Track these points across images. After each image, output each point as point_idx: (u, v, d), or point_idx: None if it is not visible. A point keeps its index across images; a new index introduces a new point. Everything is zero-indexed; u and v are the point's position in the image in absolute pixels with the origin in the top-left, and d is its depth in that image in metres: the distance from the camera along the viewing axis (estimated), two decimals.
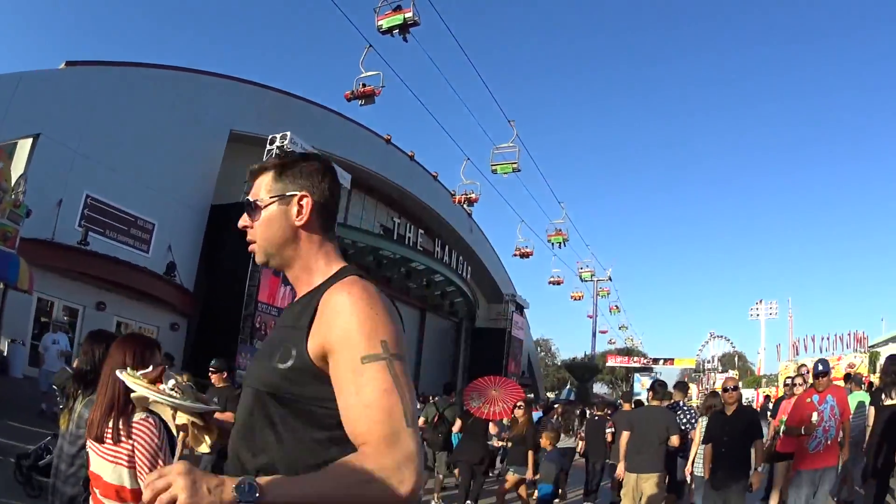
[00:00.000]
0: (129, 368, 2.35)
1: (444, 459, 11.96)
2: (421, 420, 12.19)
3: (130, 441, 2.73)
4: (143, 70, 24.91)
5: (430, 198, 40.31)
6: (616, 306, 59.67)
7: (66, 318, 16.86)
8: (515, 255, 34.22)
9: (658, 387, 9.04)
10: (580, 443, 13.86)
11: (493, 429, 11.31)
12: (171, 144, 24.86)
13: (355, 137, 34.78)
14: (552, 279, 42.09)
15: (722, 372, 66.93)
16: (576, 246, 52.28)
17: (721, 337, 78.24)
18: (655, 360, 72.59)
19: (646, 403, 9.97)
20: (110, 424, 2.74)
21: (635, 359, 73.57)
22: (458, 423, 11.43)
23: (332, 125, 33.27)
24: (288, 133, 26.30)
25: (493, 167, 24.60)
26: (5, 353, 18.49)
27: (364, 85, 18.35)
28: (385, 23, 16.40)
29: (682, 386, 12.85)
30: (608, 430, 12.39)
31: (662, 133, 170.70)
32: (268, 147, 26.32)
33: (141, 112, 23.72)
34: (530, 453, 9.69)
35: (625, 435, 8.45)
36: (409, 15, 16.22)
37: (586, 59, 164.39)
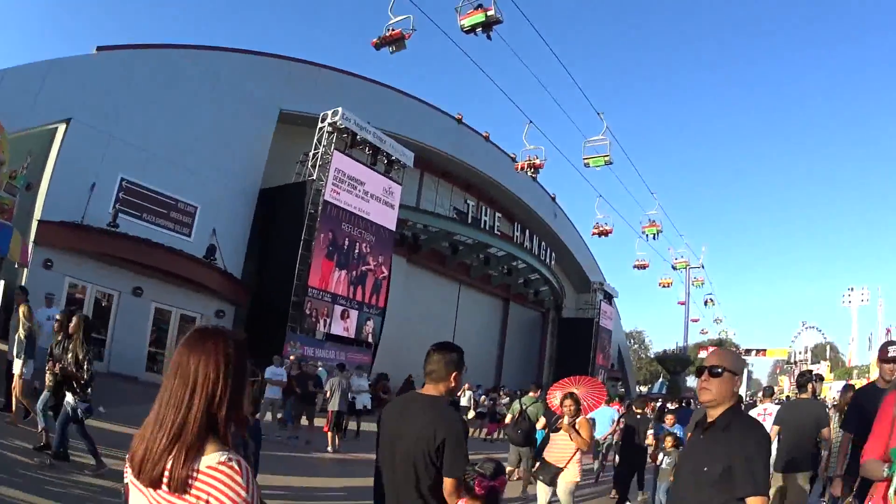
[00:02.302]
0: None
1: (528, 455, 11.22)
2: (508, 417, 12.86)
3: (205, 493, 1.76)
4: (182, 51, 23.34)
5: (508, 180, 37.01)
6: (711, 299, 55.75)
7: (53, 294, 14.75)
8: (594, 233, 31.22)
9: (801, 379, 8.80)
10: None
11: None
12: (215, 127, 23.35)
13: (422, 116, 32.44)
14: (637, 263, 38.53)
15: (813, 363, 65.11)
16: (666, 231, 48.12)
17: (812, 327, 73.68)
18: (748, 351, 69.74)
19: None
20: (170, 464, 1.77)
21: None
22: (542, 420, 10.59)
23: (393, 103, 30.83)
24: (339, 109, 24.34)
25: (586, 160, 23.07)
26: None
27: (392, 29, 16.39)
28: (467, 22, 15.70)
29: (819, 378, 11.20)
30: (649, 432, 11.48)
31: (754, 119, 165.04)
32: (319, 125, 24.73)
33: (182, 94, 22.58)
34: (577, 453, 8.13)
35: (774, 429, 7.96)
36: (490, 13, 15.50)
37: (673, 44, 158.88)
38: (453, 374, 3.72)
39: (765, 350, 71.32)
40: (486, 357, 39.78)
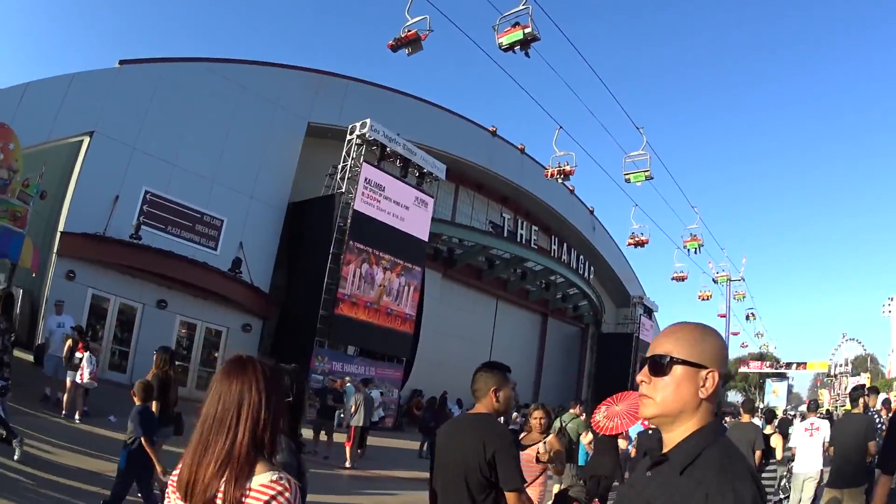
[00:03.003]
0: None
1: (570, 472, 10.78)
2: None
3: None
4: (207, 65, 22.88)
5: (545, 193, 35.95)
6: (752, 313, 53.00)
7: (63, 301, 14.84)
8: (630, 243, 29.88)
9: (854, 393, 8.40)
10: None
11: (622, 443, 11.43)
12: (243, 140, 22.99)
13: (455, 128, 31.35)
14: (676, 275, 37.13)
15: (853, 375, 62.23)
16: (706, 243, 46.78)
17: (853, 339, 71.68)
18: (788, 365, 69.55)
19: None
20: (223, 487, 1.87)
21: (768, 363, 69.53)
22: (589, 436, 11.23)
23: (424, 115, 29.85)
24: (367, 121, 23.67)
25: (626, 176, 22.52)
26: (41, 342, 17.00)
27: (408, 30, 15.96)
28: (505, 40, 15.43)
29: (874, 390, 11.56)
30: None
31: (792, 132, 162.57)
32: (348, 137, 24.12)
33: (208, 107, 22.26)
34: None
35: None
36: (528, 30, 15.22)
37: (709, 56, 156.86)
38: (496, 392, 3.86)
39: (805, 363, 69.75)
40: (524, 373, 38.39)
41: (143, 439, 6.36)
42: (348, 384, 17.85)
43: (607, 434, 9.95)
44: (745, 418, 9.98)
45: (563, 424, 11.69)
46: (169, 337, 20.29)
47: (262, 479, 1.86)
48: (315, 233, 23.10)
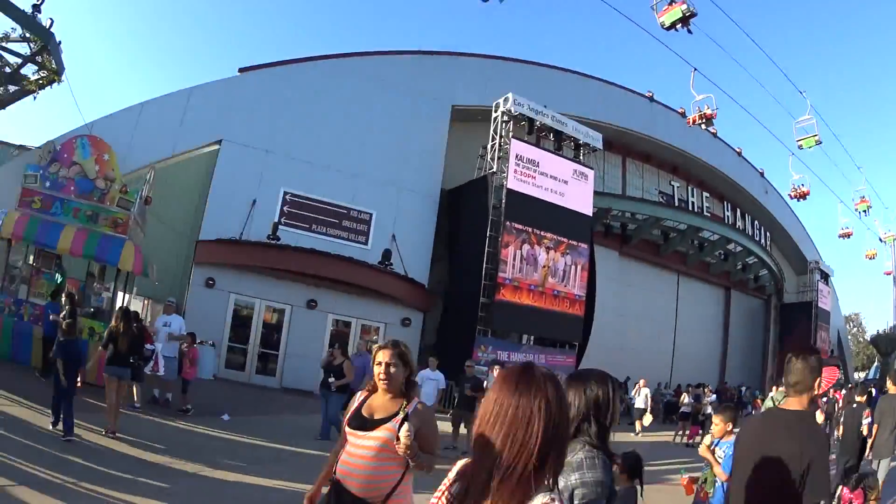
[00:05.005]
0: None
1: None
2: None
3: None
4: (334, 62, 22.21)
5: (713, 157, 32.48)
6: None
7: (173, 300, 14.51)
8: (791, 195, 26.07)
9: None
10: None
11: (819, 416, 11.01)
12: (386, 131, 22.03)
13: (607, 97, 28.66)
14: (842, 231, 32.66)
15: None
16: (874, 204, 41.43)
17: None
18: None
19: None
20: None
21: None
22: None
23: (571, 86, 27.42)
24: (510, 95, 21.86)
25: (798, 142, 21.55)
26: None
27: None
28: (666, 18, 15.15)
29: None
30: (864, 421, 9.86)
31: None
32: (493, 115, 22.42)
33: (341, 103, 21.50)
34: None
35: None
36: (684, 7, 14.91)
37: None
38: (816, 382, 3.23)
39: None
40: (708, 353, 35.07)
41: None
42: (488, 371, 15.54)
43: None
44: (893, 389, 9.50)
45: (776, 403, 10.34)
46: (321, 338, 19.50)
47: (536, 502, 1.60)
48: (470, 217, 21.49)
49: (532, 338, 22.00)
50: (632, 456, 4.70)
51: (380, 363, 3.43)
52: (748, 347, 39.04)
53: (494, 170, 21.25)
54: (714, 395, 19.86)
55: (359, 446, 3.29)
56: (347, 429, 3.37)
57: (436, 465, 3.23)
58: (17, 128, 74.26)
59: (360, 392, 3.60)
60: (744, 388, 32.80)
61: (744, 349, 38.49)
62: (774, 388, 15.41)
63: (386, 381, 3.40)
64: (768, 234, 38.16)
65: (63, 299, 12.40)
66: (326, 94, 21.28)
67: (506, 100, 21.89)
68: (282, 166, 20.02)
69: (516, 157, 21.09)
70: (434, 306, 22.05)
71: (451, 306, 21.83)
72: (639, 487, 4.74)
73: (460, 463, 1.80)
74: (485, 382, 13.00)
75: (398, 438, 3.10)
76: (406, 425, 3.15)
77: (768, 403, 11.29)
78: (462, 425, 12.78)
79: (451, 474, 1.80)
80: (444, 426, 13.23)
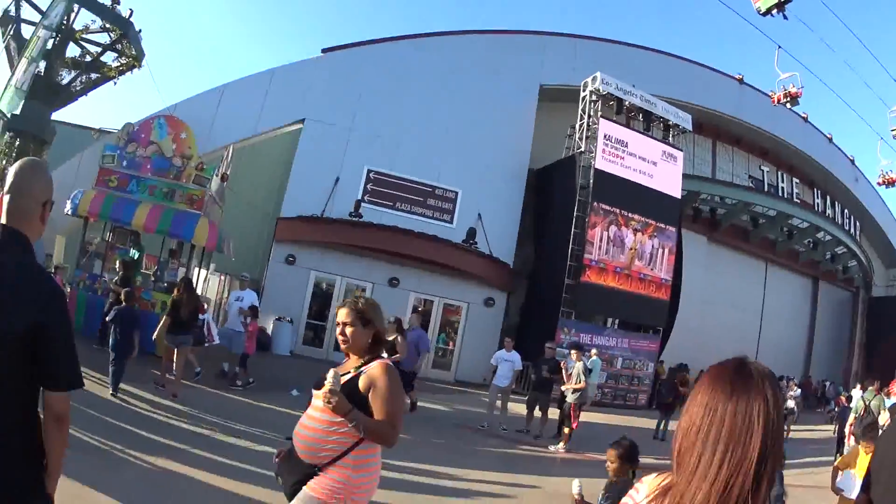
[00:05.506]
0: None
1: None
2: (851, 417, 11.77)
3: None
4: (416, 41, 22.43)
5: (803, 142, 31.08)
6: None
7: (247, 276, 14.41)
8: (879, 182, 24.43)
9: None
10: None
11: None
12: (473, 111, 21.75)
13: (696, 79, 27.62)
14: None
15: None
16: None
17: None
18: None
19: None
20: None
21: None
22: (885, 416, 9.82)
23: (660, 67, 26.48)
24: (598, 74, 21.34)
25: (893, 130, 20.50)
26: (269, 331, 18.01)
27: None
28: (762, 4, 14.55)
29: None
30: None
31: None
32: (581, 94, 21.95)
33: (425, 82, 21.58)
34: None
35: None
36: None
37: None
38: None
39: None
40: (793, 344, 33.75)
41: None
42: (594, 357, 15.02)
43: None
44: None
45: (867, 402, 10.95)
46: (403, 315, 19.26)
47: None
48: (557, 197, 21.04)
49: (616, 322, 21.36)
50: (627, 442, 4.50)
51: (337, 323, 3.17)
52: (834, 341, 37.33)
53: (582, 150, 20.76)
54: (798, 390, 19.04)
55: (312, 406, 3.04)
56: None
57: (394, 438, 2.92)
58: (100, 113, 75.74)
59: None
60: (828, 384, 31.48)
61: (830, 343, 36.85)
62: (860, 386, 14.72)
63: (344, 342, 3.13)
64: (858, 223, 36.27)
65: (117, 266, 12.97)
66: (410, 73, 21.26)
67: (594, 79, 21.34)
68: (365, 144, 20.06)
69: (605, 136, 20.55)
70: (518, 287, 21.68)
71: (535, 287, 21.46)
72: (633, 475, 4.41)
73: (657, 479, 1.51)
74: (562, 365, 12.54)
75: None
76: (331, 372, 2.89)
77: (858, 403, 11.31)
78: (537, 408, 12.40)
79: (644, 487, 1.53)
80: (519, 408, 12.96)
